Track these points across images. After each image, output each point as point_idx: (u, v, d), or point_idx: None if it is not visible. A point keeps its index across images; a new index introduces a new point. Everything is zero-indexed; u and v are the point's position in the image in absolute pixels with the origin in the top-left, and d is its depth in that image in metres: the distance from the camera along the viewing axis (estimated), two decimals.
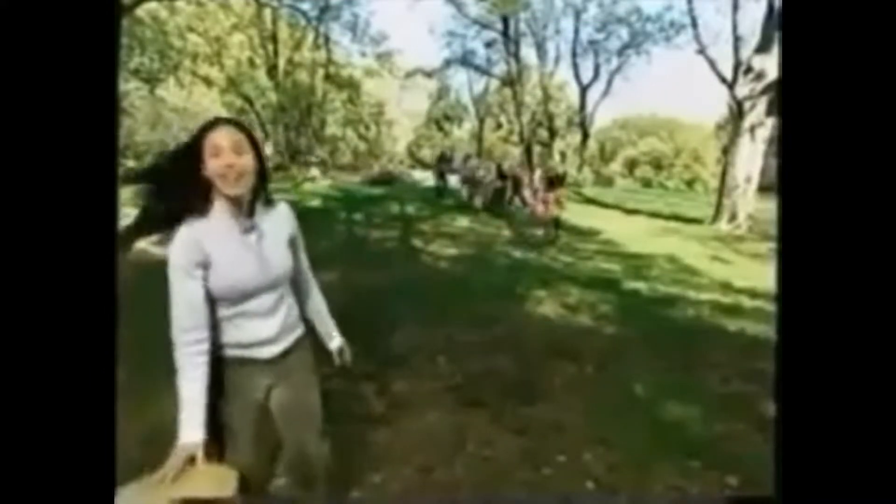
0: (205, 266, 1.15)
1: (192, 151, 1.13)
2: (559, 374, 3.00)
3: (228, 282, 1.17)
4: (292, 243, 1.34)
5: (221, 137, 1.13)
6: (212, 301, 1.18)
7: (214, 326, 1.21)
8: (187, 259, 1.13)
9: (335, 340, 1.53)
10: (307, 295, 1.46)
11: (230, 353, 1.24)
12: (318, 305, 1.50)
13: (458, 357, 3.19)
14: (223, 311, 1.21)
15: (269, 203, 1.29)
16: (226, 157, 1.12)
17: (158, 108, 20.02)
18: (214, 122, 1.16)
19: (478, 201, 11.61)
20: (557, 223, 8.14)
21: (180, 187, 1.15)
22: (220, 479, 1.09)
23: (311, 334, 1.47)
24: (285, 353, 1.32)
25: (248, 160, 1.16)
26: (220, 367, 1.23)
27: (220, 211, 1.18)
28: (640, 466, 2.10)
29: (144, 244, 6.69)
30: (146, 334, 2.89)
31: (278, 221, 1.30)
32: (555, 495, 1.98)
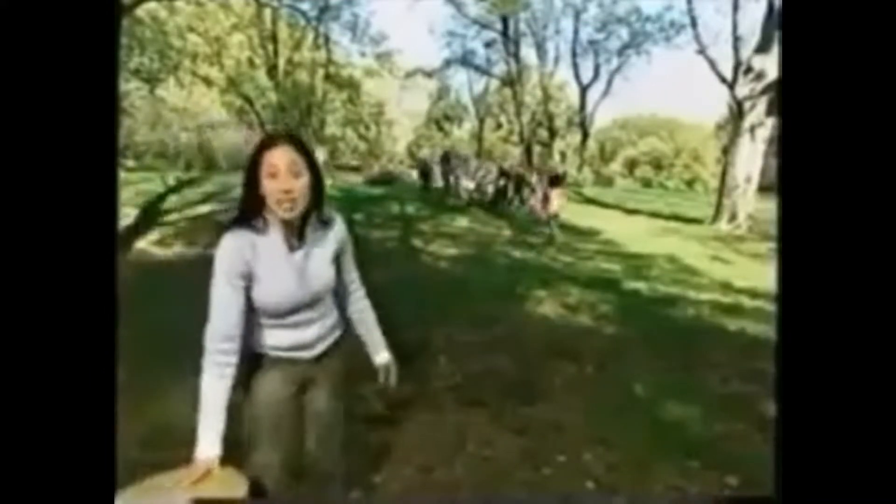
0: (248, 278, 1.14)
1: (250, 168, 1.13)
2: (559, 374, 3.00)
3: (270, 298, 1.17)
4: (337, 258, 1.32)
5: (278, 158, 1.10)
6: (252, 308, 1.18)
7: (252, 330, 1.22)
8: (230, 268, 1.12)
9: (382, 356, 1.47)
10: (348, 302, 1.43)
11: (266, 352, 1.25)
12: (364, 315, 1.46)
13: (458, 357, 3.19)
14: (262, 320, 1.22)
15: (322, 219, 1.27)
16: (282, 181, 1.10)
17: (158, 108, 20.04)
18: (270, 141, 1.13)
19: (462, 195, 11.75)
20: (555, 222, 8.14)
21: (243, 201, 1.15)
22: (230, 482, 1.09)
23: (349, 344, 1.45)
24: (320, 357, 1.33)
25: (304, 182, 1.13)
26: (256, 363, 1.25)
27: (271, 226, 1.17)
28: (640, 466, 2.10)
29: (144, 244, 6.71)
30: (146, 334, 2.89)
31: (327, 236, 1.28)
32: (555, 495, 1.98)
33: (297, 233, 1.21)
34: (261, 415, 1.26)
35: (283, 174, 1.10)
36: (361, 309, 1.45)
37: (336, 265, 1.32)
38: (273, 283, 1.17)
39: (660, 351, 3.40)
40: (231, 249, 1.12)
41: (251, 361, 1.25)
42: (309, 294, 1.23)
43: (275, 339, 1.24)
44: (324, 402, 1.38)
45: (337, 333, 1.38)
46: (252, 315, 1.20)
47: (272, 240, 1.17)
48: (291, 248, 1.20)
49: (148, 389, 2.43)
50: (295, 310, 1.22)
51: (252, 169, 1.12)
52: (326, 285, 1.28)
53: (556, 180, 8.36)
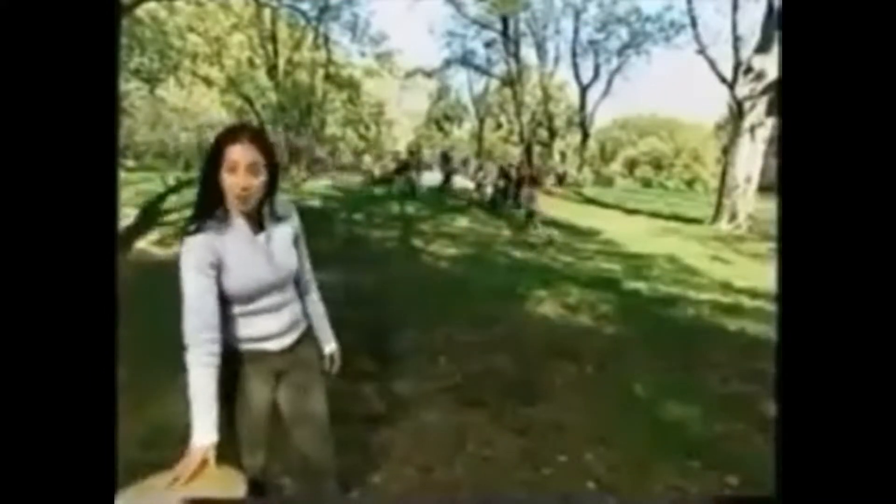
0: (217, 267, 1.16)
1: (211, 159, 1.14)
2: (559, 374, 3.00)
3: (241, 282, 1.19)
4: (296, 241, 1.35)
5: (239, 155, 1.12)
6: (224, 300, 1.20)
7: (225, 323, 1.23)
8: (201, 259, 1.13)
9: (329, 345, 1.53)
10: (306, 292, 1.47)
11: (240, 346, 1.26)
12: (316, 305, 1.50)
13: (458, 357, 3.19)
14: (234, 309, 1.23)
15: (276, 207, 1.30)
16: (241, 178, 1.12)
17: (158, 108, 20.02)
18: (234, 136, 1.13)
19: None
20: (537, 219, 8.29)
21: (202, 191, 1.17)
22: (229, 481, 1.09)
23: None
24: (292, 347, 1.35)
25: (261, 181, 1.16)
26: (231, 361, 1.25)
27: (233, 215, 1.20)
28: (640, 466, 2.10)
29: (144, 244, 6.70)
30: (146, 334, 2.89)
31: (284, 222, 1.31)
32: (555, 495, 1.98)
33: (256, 219, 1.23)
34: (239, 414, 1.27)
35: (241, 172, 1.12)
36: (314, 300, 1.49)
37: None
38: (243, 268, 1.19)
39: (660, 351, 3.40)
40: (199, 242, 1.14)
41: (224, 359, 1.24)
42: (276, 276, 1.26)
43: (246, 329, 1.25)
44: (301, 396, 1.39)
45: (304, 325, 1.41)
46: (223, 307, 1.21)
47: (236, 227, 1.20)
48: (255, 233, 1.23)
49: (148, 389, 2.43)
50: (264, 292, 1.24)
51: (212, 161, 1.13)
52: (291, 267, 1.31)
53: (533, 180, 8.51)
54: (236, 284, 1.19)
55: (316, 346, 1.47)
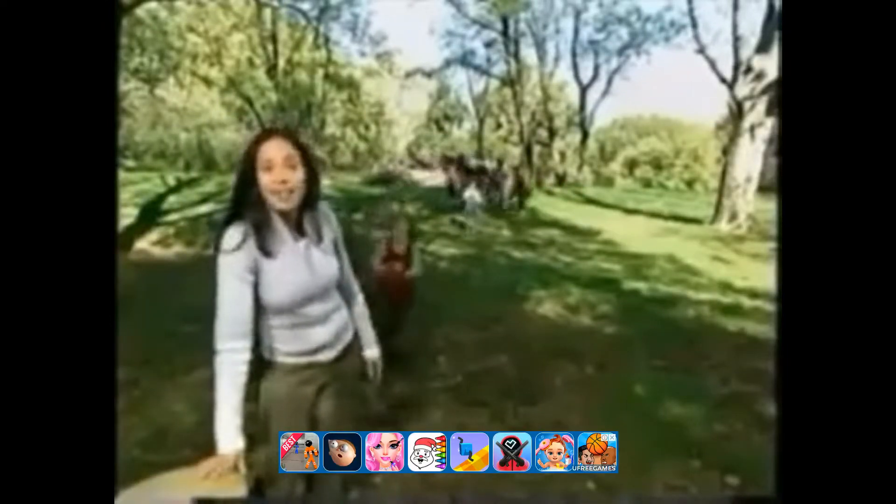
0: (255, 272, 1.13)
1: (246, 162, 1.13)
2: (559, 374, 3.00)
3: (281, 291, 1.16)
4: (336, 247, 1.32)
5: (273, 151, 1.11)
6: (265, 310, 1.18)
7: (269, 337, 1.21)
8: (240, 263, 1.11)
9: (372, 351, 1.48)
10: (351, 297, 1.43)
11: (291, 360, 1.24)
12: (360, 309, 1.46)
13: (458, 357, 3.19)
14: (281, 320, 1.21)
15: (315, 212, 1.27)
16: (278, 173, 1.11)
17: (158, 108, 20.04)
18: (267, 134, 1.15)
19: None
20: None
21: (237, 197, 1.15)
22: (230, 482, 1.08)
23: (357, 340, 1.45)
24: (338, 359, 1.32)
25: (300, 175, 1.14)
26: (279, 372, 1.24)
27: (272, 219, 1.17)
28: (640, 466, 2.10)
29: (144, 244, 6.70)
30: (146, 334, 2.90)
31: (323, 228, 1.28)
32: (555, 495, 1.98)
33: (295, 225, 1.21)
34: (276, 421, 1.25)
35: (278, 167, 1.11)
36: (359, 304, 1.46)
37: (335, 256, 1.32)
38: (283, 274, 1.16)
39: (660, 351, 3.40)
40: (237, 243, 1.11)
41: (265, 369, 1.24)
42: (318, 285, 1.23)
43: (296, 341, 1.23)
44: (335, 406, 1.37)
45: (351, 333, 1.38)
46: (266, 319, 1.19)
47: (275, 231, 1.17)
48: (294, 239, 1.20)
49: (148, 389, 2.44)
50: (308, 301, 1.21)
51: (247, 163, 1.13)
52: (333, 275, 1.28)
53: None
54: (276, 293, 1.16)
55: (360, 357, 1.43)
